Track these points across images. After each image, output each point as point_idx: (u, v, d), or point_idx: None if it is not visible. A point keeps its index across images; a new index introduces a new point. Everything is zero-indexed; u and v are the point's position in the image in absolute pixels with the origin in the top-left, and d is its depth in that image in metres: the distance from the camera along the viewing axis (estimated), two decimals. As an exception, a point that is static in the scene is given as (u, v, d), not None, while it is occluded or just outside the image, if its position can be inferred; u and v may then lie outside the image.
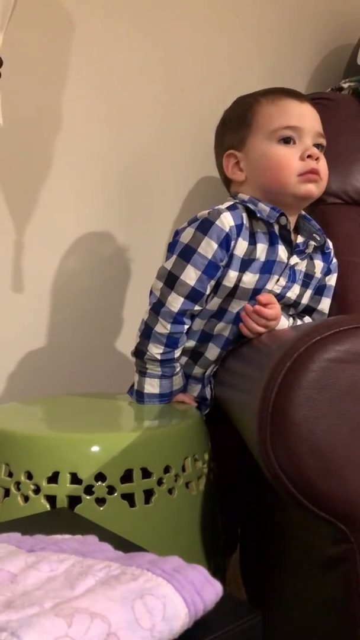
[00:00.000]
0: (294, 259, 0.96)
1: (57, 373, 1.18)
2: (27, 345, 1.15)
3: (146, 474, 0.74)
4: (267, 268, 0.94)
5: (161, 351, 0.93)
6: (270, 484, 0.62)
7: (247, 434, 0.69)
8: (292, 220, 0.99)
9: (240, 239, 0.91)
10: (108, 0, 1.18)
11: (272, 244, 0.94)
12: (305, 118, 0.95)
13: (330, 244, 1.04)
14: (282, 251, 0.95)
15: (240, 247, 0.92)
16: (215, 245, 0.89)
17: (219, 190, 1.23)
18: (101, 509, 0.72)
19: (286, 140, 0.94)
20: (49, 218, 1.14)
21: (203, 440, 0.85)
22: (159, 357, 0.93)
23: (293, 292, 0.98)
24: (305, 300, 1.01)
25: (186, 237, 0.92)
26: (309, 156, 0.93)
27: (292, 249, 0.96)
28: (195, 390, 0.99)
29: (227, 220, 0.90)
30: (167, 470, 0.76)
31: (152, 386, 0.94)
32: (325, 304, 1.05)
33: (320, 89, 1.41)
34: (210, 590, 0.44)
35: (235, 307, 0.94)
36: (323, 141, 0.98)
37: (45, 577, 0.45)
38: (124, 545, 0.54)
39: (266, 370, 0.62)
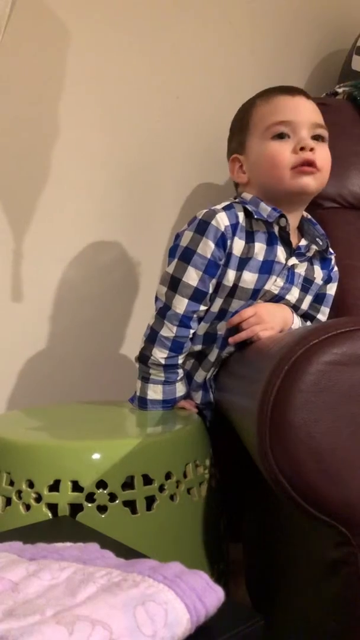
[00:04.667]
0: (293, 260, 0.97)
1: (57, 382, 1.18)
2: (27, 354, 1.15)
3: (147, 480, 0.74)
4: (266, 268, 0.94)
5: (165, 355, 0.93)
6: (271, 487, 0.62)
7: (247, 437, 0.69)
8: (295, 220, 0.99)
9: (236, 238, 0.92)
10: (103, 10, 1.19)
11: (270, 244, 0.95)
12: (298, 111, 0.94)
13: (331, 251, 1.04)
14: (280, 252, 0.95)
15: (237, 246, 0.92)
16: (212, 245, 0.91)
17: (217, 195, 1.23)
18: (103, 516, 0.72)
19: (280, 136, 0.93)
20: (47, 227, 1.15)
21: (204, 445, 0.85)
22: (163, 361, 0.93)
23: (292, 295, 0.98)
24: (305, 305, 1.01)
25: (185, 240, 0.93)
26: (302, 148, 0.92)
27: (292, 251, 0.96)
28: (197, 397, 0.99)
29: (222, 220, 0.91)
30: (168, 476, 0.76)
31: (155, 392, 0.94)
32: (324, 313, 1.05)
33: (315, 95, 1.40)
34: (212, 595, 0.44)
35: (235, 307, 0.95)
36: (322, 131, 0.96)
37: (47, 585, 0.45)
38: (126, 552, 0.54)
39: (265, 373, 0.62)
